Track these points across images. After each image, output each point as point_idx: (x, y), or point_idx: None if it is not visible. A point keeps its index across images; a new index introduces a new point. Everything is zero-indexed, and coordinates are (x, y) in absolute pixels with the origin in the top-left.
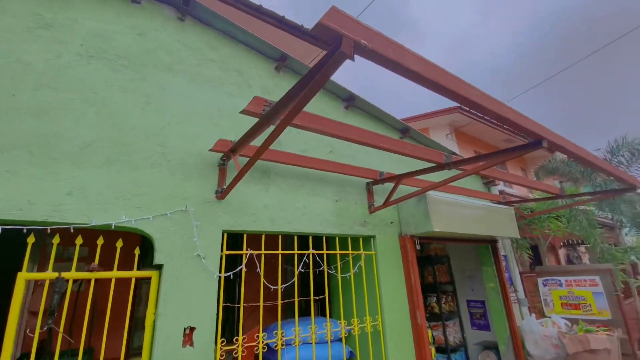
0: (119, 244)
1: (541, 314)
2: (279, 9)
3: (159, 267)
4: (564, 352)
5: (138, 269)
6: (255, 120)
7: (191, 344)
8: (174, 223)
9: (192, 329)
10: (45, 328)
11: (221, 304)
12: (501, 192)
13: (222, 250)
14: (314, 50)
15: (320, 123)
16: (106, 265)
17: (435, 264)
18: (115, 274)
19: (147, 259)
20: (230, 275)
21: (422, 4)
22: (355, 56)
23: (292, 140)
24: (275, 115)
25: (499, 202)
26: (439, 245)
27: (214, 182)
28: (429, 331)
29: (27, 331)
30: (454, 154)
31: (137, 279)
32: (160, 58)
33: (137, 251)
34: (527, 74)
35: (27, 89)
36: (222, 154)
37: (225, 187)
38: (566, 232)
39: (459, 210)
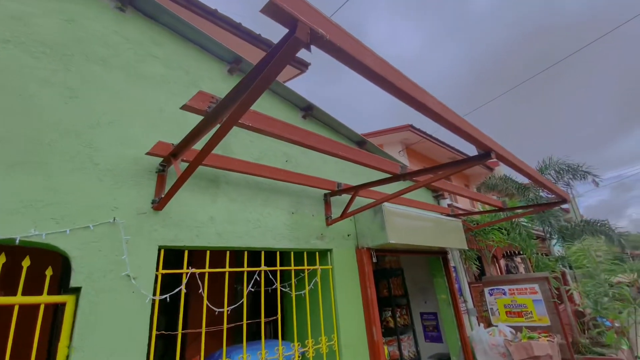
0: (26, 262)
1: (488, 323)
2: (235, 16)
3: (77, 291)
4: None
5: (58, 292)
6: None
7: None
8: (98, 237)
9: None
10: None
11: (154, 332)
12: (449, 205)
13: (157, 269)
14: None
15: (276, 126)
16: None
17: (390, 277)
18: (19, 299)
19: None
20: (166, 298)
21: (376, 33)
22: (313, 55)
23: (245, 147)
24: (223, 113)
25: (448, 215)
26: (393, 258)
27: (150, 191)
28: (385, 347)
29: None
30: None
31: (56, 306)
32: (92, 49)
33: (49, 272)
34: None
35: None
36: (161, 159)
37: (163, 196)
38: (507, 243)
39: (413, 222)
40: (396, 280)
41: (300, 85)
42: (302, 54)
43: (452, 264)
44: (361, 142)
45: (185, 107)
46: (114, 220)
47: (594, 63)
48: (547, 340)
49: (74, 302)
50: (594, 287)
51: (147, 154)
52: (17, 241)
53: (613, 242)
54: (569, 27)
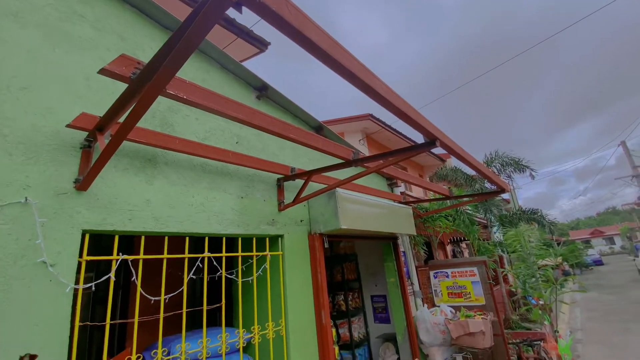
0: None
1: (432, 304)
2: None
3: None
4: (449, 337)
5: None
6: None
7: None
8: (7, 219)
9: (32, 357)
10: None
11: (77, 323)
12: (402, 193)
13: (80, 256)
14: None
15: (214, 100)
16: None
17: (344, 262)
18: None
19: None
20: (102, 286)
21: (344, 23)
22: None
23: (189, 126)
24: (151, 80)
25: (400, 202)
26: (348, 244)
27: (74, 169)
28: (334, 330)
29: None
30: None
31: None
32: (3, 2)
33: None
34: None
35: None
36: (87, 133)
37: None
38: (452, 229)
39: (365, 209)
40: (350, 266)
41: (272, 67)
42: (263, 32)
43: (401, 249)
44: (319, 127)
45: (103, 72)
46: (26, 200)
47: (533, 68)
48: (482, 318)
49: None
50: (524, 269)
51: (68, 126)
52: None
53: (544, 229)
54: (520, 37)
